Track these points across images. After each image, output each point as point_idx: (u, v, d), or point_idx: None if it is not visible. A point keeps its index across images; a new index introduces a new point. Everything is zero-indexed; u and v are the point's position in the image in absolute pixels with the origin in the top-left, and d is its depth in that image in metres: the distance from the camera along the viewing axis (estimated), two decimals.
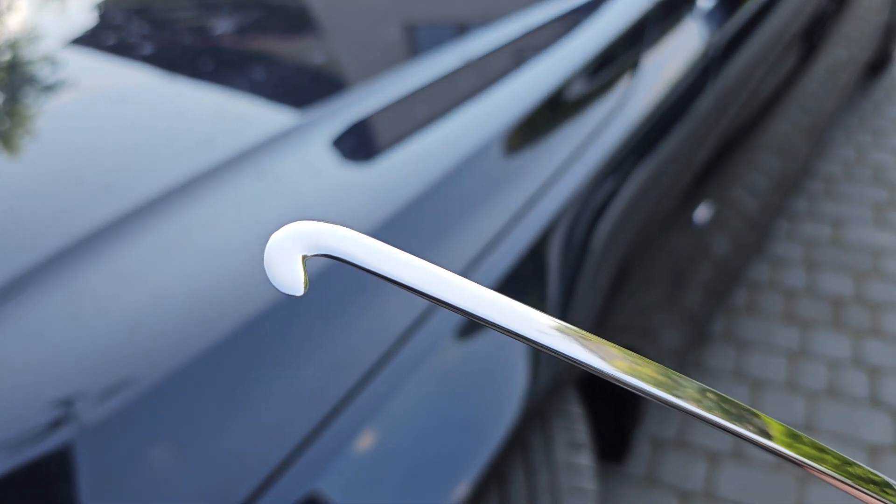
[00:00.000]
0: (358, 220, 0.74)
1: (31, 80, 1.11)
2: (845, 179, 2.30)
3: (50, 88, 1.06)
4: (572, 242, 0.88)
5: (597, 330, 0.89)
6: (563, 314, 0.83)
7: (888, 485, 0.24)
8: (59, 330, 0.64)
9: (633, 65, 1.08)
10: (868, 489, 0.24)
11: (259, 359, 0.64)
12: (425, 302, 0.71)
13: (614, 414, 1.18)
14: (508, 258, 0.79)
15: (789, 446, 0.24)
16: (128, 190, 0.78)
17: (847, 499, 1.31)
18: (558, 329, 0.24)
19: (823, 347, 1.70)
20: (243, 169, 0.79)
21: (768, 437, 0.23)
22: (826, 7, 1.80)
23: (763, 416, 0.24)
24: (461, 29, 1.16)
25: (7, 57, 1.22)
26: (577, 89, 1.00)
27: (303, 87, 1.06)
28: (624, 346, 0.25)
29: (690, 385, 0.24)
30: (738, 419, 0.24)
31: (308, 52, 1.16)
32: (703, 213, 1.24)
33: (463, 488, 0.66)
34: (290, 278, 0.23)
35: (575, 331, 0.24)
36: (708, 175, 1.25)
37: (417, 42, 1.16)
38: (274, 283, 0.23)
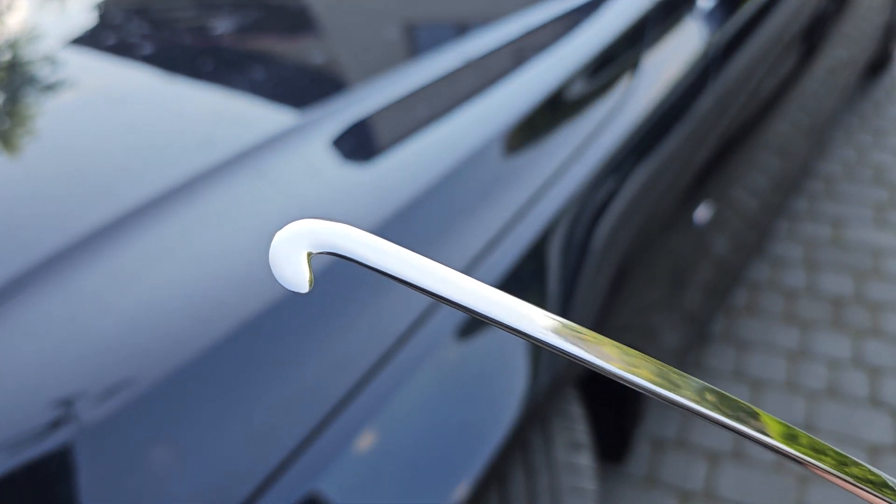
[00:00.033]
0: (358, 219, 0.74)
1: (31, 80, 1.11)
2: (845, 179, 2.30)
3: (50, 88, 1.06)
4: (572, 242, 0.88)
5: (597, 330, 0.89)
6: (563, 314, 0.83)
7: (885, 484, 0.24)
8: (58, 330, 0.64)
9: (633, 65, 1.08)
10: (867, 487, 0.24)
11: (259, 359, 0.64)
12: (425, 302, 0.71)
13: (614, 414, 1.18)
14: (508, 258, 0.79)
15: (789, 444, 0.24)
16: (128, 190, 0.78)
17: (847, 499, 1.31)
18: (563, 328, 0.24)
19: (823, 347, 1.70)
20: (243, 169, 0.79)
21: (766, 433, 0.24)
22: (826, 7, 1.80)
23: (762, 413, 0.24)
24: (461, 29, 1.16)
25: (7, 57, 1.22)
26: (577, 89, 1.00)
27: (303, 87, 1.06)
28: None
29: (691, 382, 0.24)
30: (738, 417, 0.24)
31: (308, 52, 1.16)
32: (703, 213, 1.24)
33: (463, 488, 0.66)
34: (296, 275, 0.23)
35: (579, 329, 0.24)
36: (708, 175, 1.25)
37: (417, 42, 1.16)
38: (279, 280, 0.23)
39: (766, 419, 0.24)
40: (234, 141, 0.84)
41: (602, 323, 0.93)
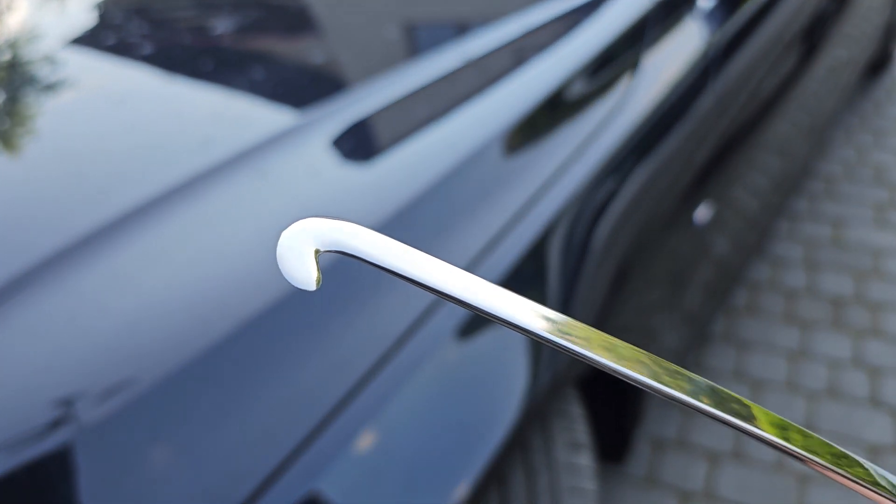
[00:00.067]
0: (358, 220, 0.73)
1: (31, 80, 1.11)
2: (846, 179, 2.29)
3: (50, 88, 1.06)
4: (572, 242, 0.88)
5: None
6: (562, 314, 0.83)
7: (861, 465, 0.24)
8: (58, 330, 0.64)
9: (633, 65, 1.08)
10: (865, 482, 0.24)
11: (259, 359, 0.64)
12: (424, 302, 0.71)
13: (614, 414, 1.18)
14: (508, 258, 0.79)
15: (785, 439, 0.24)
16: (128, 190, 0.78)
17: (847, 499, 1.30)
18: (570, 326, 0.24)
19: (823, 347, 1.70)
20: (243, 169, 0.79)
21: (758, 426, 0.24)
22: (826, 7, 1.80)
23: (754, 405, 0.24)
24: (461, 29, 1.16)
25: (7, 57, 1.22)
26: (577, 89, 1.00)
27: (303, 87, 1.06)
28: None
29: (693, 379, 0.24)
30: (735, 412, 0.24)
31: (308, 52, 1.16)
32: (703, 213, 1.24)
33: (463, 489, 0.66)
34: (303, 273, 0.23)
35: (584, 328, 0.24)
36: (708, 175, 1.25)
37: (417, 42, 1.16)
38: (287, 278, 0.23)
39: (758, 411, 0.24)
40: (234, 141, 0.84)
41: (602, 323, 0.93)
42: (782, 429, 0.24)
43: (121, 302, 0.67)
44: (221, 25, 1.22)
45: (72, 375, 0.60)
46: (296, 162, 0.82)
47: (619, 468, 1.44)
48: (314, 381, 0.63)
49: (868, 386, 1.59)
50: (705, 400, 0.24)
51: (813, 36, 1.72)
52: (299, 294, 0.66)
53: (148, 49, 1.17)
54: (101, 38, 1.23)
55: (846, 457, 0.24)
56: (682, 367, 0.25)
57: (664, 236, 1.13)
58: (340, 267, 0.68)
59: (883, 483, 0.24)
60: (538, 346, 0.79)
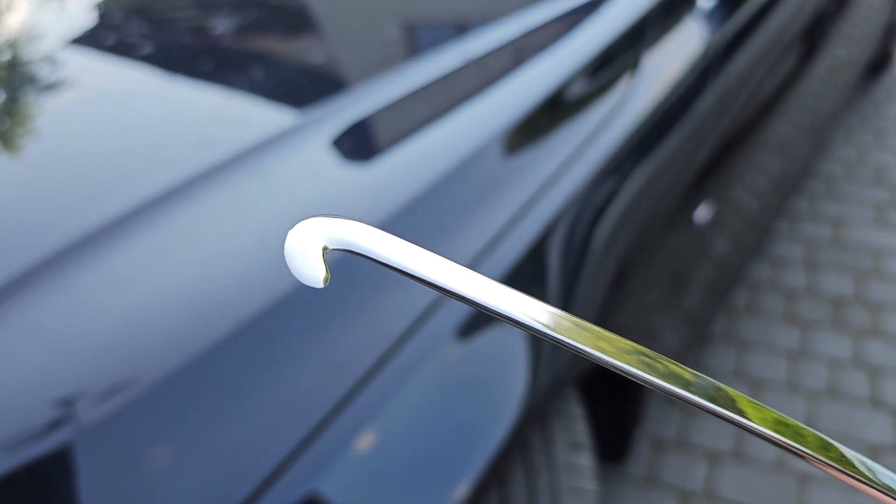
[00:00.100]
0: (358, 220, 0.74)
1: (30, 80, 1.11)
2: (846, 179, 2.29)
3: (50, 88, 1.06)
4: (572, 242, 0.88)
5: None
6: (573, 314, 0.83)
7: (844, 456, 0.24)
8: (58, 330, 0.64)
9: (633, 65, 1.08)
10: (860, 476, 0.24)
11: (259, 359, 0.64)
12: (425, 303, 0.71)
13: (614, 414, 1.18)
14: (508, 258, 0.78)
15: (783, 435, 0.24)
16: (127, 190, 0.78)
17: (848, 498, 1.30)
18: (576, 325, 0.24)
19: (824, 347, 1.70)
20: (243, 169, 0.79)
21: (742, 413, 0.24)
22: (826, 7, 1.80)
23: (736, 394, 0.24)
24: (461, 28, 1.16)
25: (7, 57, 1.22)
26: (577, 89, 1.00)
27: (303, 87, 1.05)
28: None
29: (704, 381, 0.24)
30: (730, 406, 0.24)
31: (308, 52, 1.16)
32: (703, 213, 1.24)
33: (463, 489, 0.66)
34: (311, 270, 0.23)
35: (589, 326, 0.24)
36: (708, 175, 1.25)
37: (417, 42, 1.16)
38: (295, 275, 0.23)
39: (758, 408, 0.24)
40: (234, 141, 0.84)
41: (602, 323, 0.93)
42: (779, 424, 0.24)
43: (121, 302, 0.67)
44: (221, 25, 1.22)
45: (72, 375, 0.60)
46: (295, 162, 0.82)
47: (619, 468, 1.44)
48: (314, 381, 0.63)
49: (868, 386, 1.59)
50: (712, 399, 0.24)
51: (813, 36, 1.72)
52: (299, 294, 0.66)
53: (148, 49, 1.17)
54: (101, 38, 1.23)
55: (845, 458, 0.24)
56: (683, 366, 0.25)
57: (664, 236, 1.13)
58: (341, 267, 0.68)
59: (885, 480, 0.24)
60: (538, 346, 0.79)
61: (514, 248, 0.79)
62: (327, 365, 0.64)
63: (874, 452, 1.45)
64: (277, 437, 0.59)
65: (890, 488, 0.24)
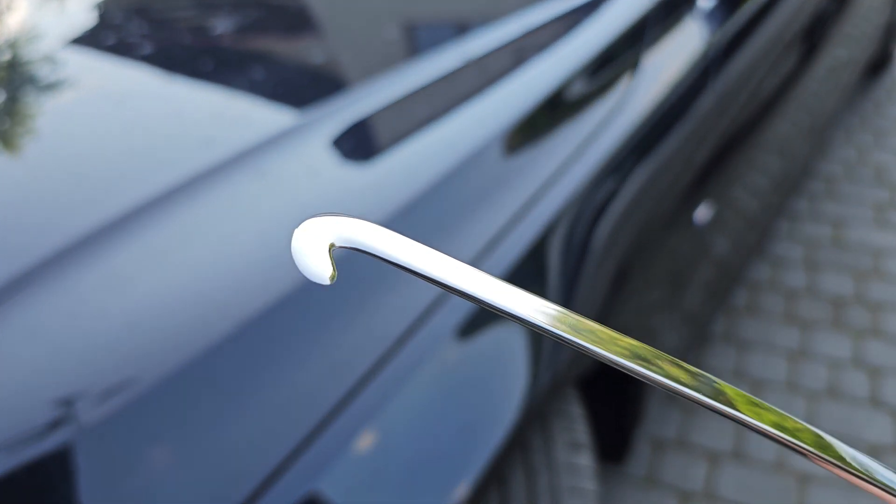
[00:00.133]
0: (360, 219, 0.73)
1: (30, 80, 1.11)
2: (846, 179, 2.29)
3: (50, 88, 1.06)
4: (572, 243, 0.88)
5: None
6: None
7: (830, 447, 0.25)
8: (58, 330, 0.64)
9: (633, 65, 1.08)
10: (861, 473, 0.24)
11: (259, 359, 0.64)
12: (425, 303, 0.71)
13: (614, 414, 1.18)
14: (508, 258, 0.79)
15: (783, 431, 0.24)
16: (127, 190, 0.78)
17: (848, 498, 1.30)
18: (584, 325, 0.24)
19: (824, 347, 1.70)
20: (243, 169, 0.79)
21: (742, 410, 0.24)
22: (826, 7, 1.80)
23: (737, 391, 0.24)
24: (461, 28, 1.16)
25: (7, 57, 1.22)
26: (577, 89, 1.00)
27: (303, 87, 1.06)
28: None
29: (705, 378, 0.24)
30: (736, 406, 0.24)
31: (308, 52, 1.16)
32: (703, 213, 1.24)
33: (463, 489, 0.66)
34: (318, 267, 0.24)
35: (593, 325, 0.25)
36: (708, 175, 1.25)
37: (417, 42, 1.16)
38: (301, 271, 0.24)
39: (744, 399, 0.24)
40: (234, 141, 0.84)
41: (602, 323, 0.93)
42: (779, 422, 0.24)
43: (121, 302, 0.67)
44: (221, 25, 1.22)
45: (72, 375, 0.60)
46: (295, 162, 0.82)
47: (619, 468, 1.44)
48: (314, 381, 0.63)
49: (868, 386, 1.59)
50: (714, 396, 0.24)
51: (813, 36, 1.72)
52: (300, 294, 0.66)
53: (148, 49, 1.17)
54: (101, 38, 1.23)
55: (846, 456, 0.24)
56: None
57: (664, 236, 1.13)
58: (341, 267, 0.68)
59: (885, 478, 0.24)
60: (538, 346, 0.79)
61: (514, 248, 0.79)
62: (327, 365, 0.64)
63: (874, 452, 1.45)
64: (277, 438, 0.59)
65: (891, 487, 0.24)
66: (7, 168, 0.89)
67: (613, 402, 1.15)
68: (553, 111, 0.96)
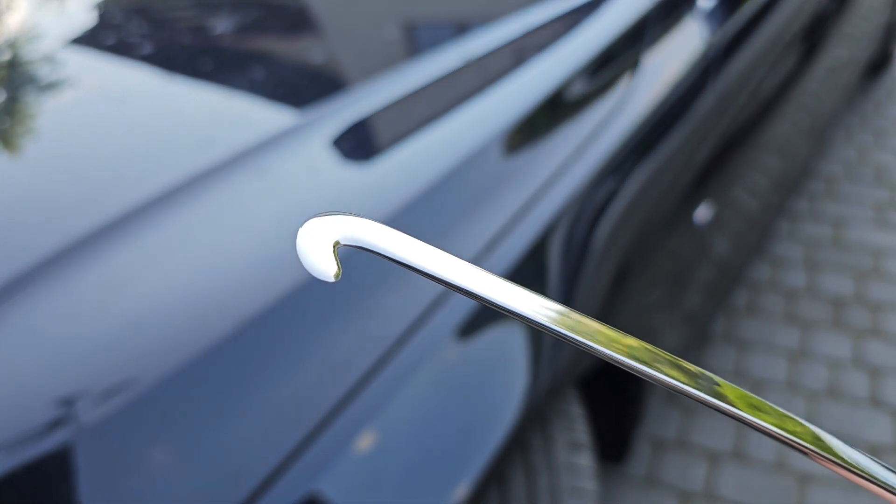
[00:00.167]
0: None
1: (30, 80, 1.11)
2: (846, 179, 2.29)
3: (50, 88, 1.06)
4: (573, 243, 0.88)
5: None
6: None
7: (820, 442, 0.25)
8: (58, 330, 0.64)
9: (633, 65, 1.08)
10: (860, 471, 0.24)
11: (259, 359, 0.64)
12: (424, 303, 0.71)
13: (614, 414, 1.18)
14: (508, 258, 0.78)
15: (783, 429, 0.24)
16: (127, 190, 0.78)
17: (848, 498, 1.30)
18: (589, 324, 0.24)
19: (824, 347, 1.70)
20: (243, 169, 0.79)
21: (742, 408, 0.24)
22: (826, 7, 1.80)
23: (737, 390, 0.24)
24: (461, 28, 1.16)
25: (7, 57, 1.22)
26: (578, 89, 1.00)
27: (303, 87, 1.06)
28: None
29: (706, 377, 0.24)
30: (736, 405, 0.24)
31: (308, 52, 1.16)
32: (703, 213, 1.24)
33: (463, 489, 0.66)
34: (323, 264, 0.24)
35: (597, 324, 0.25)
36: (708, 175, 1.25)
37: (417, 41, 1.16)
38: (306, 268, 0.24)
39: (744, 397, 0.24)
40: (234, 141, 0.84)
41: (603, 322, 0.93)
42: (780, 420, 0.24)
43: (121, 302, 0.67)
44: (221, 25, 1.22)
45: (71, 375, 0.60)
46: (295, 162, 0.82)
47: (619, 468, 1.44)
48: (314, 381, 0.63)
49: (868, 386, 1.59)
50: (715, 395, 0.24)
51: (813, 36, 1.72)
52: (299, 294, 0.66)
53: (148, 49, 1.17)
54: (101, 38, 1.23)
55: (846, 455, 0.25)
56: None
57: (664, 236, 1.13)
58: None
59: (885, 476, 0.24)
60: (538, 346, 0.79)
61: (514, 247, 0.79)
62: (327, 365, 0.64)
63: (874, 453, 1.45)
64: (277, 438, 0.59)
65: (892, 486, 0.24)
66: (7, 168, 0.89)
67: (613, 402, 1.15)
68: (553, 111, 0.96)
